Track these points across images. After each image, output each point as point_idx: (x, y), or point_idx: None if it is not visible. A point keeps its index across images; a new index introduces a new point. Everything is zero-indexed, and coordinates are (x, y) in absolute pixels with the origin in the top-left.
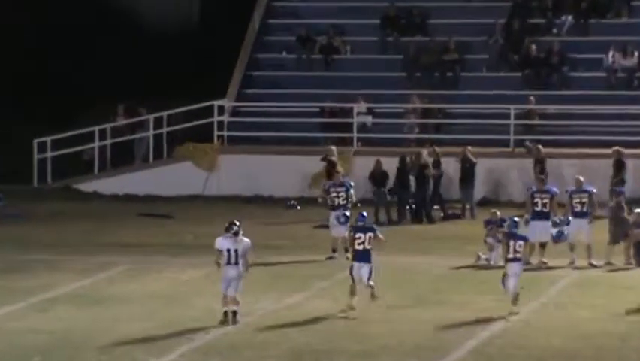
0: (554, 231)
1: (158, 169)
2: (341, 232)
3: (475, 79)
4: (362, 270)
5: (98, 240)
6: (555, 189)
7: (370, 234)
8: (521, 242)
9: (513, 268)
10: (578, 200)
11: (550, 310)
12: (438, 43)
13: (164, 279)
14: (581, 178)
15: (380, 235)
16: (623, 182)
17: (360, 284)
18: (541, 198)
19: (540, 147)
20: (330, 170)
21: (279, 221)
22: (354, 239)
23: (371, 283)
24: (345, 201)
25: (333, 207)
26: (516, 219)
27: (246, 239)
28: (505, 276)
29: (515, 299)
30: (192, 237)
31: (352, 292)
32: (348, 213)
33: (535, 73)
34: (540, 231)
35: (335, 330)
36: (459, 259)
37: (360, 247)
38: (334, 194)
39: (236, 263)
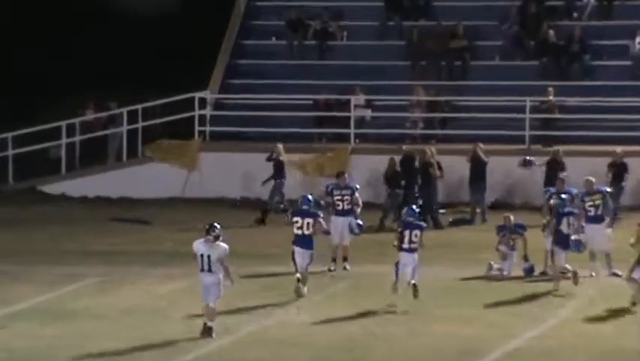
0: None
1: (132, 169)
2: (344, 239)
3: (486, 68)
4: (304, 256)
5: (66, 248)
6: (576, 191)
7: (309, 220)
8: (417, 231)
9: (405, 258)
10: (590, 203)
11: (570, 325)
12: (445, 28)
13: (140, 292)
14: (592, 179)
15: (323, 224)
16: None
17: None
18: None
19: (560, 149)
20: (278, 170)
21: (268, 226)
22: (292, 223)
23: (307, 271)
24: (349, 206)
25: (337, 212)
26: (414, 207)
27: (222, 245)
28: (397, 264)
29: (415, 291)
30: (171, 244)
31: (299, 280)
32: (361, 223)
33: (553, 62)
34: None
35: (330, 347)
36: (468, 269)
37: (299, 232)
38: (338, 197)
39: (210, 270)
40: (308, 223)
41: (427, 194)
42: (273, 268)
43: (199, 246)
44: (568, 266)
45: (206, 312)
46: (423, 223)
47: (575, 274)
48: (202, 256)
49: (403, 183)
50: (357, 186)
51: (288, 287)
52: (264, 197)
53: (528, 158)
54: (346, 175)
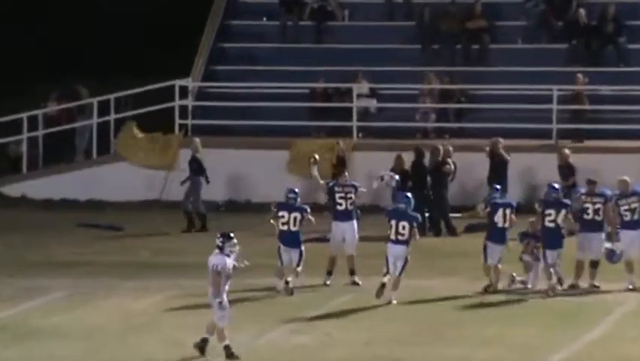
0: (607, 247)
1: (103, 167)
2: (350, 247)
3: (508, 52)
4: (291, 254)
5: (28, 258)
6: (610, 192)
7: (296, 214)
8: (405, 223)
9: (391, 249)
10: (626, 207)
11: (602, 346)
12: (461, 6)
13: (112, 308)
14: (627, 179)
15: (310, 217)
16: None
17: (290, 268)
18: (593, 204)
19: (566, 150)
20: (196, 167)
21: (259, 233)
22: (278, 217)
23: (299, 269)
24: (352, 207)
25: (338, 215)
26: (408, 194)
27: (211, 259)
28: (387, 257)
29: (397, 284)
30: (148, 254)
31: (279, 275)
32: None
33: (584, 45)
34: (590, 246)
35: None
36: (487, 282)
37: (285, 228)
38: (340, 195)
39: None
40: (295, 218)
41: (440, 196)
42: (261, 281)
43: None
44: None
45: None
46: (414, 214)
47: (512, 278)
48: None
49: (410, 184)
50: (359, 185)
51: (280, 302)
52: (255, 199)
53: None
54: (346, 173)
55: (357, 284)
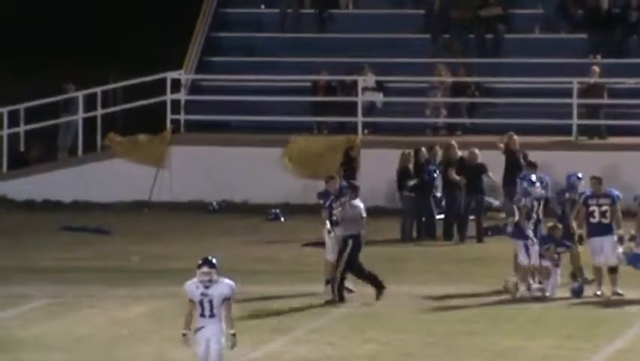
0: (623, 250)
1: (89, 166)
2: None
3: (524, 42)
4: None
5: (7, 263)
6: (617, 192)
7: None
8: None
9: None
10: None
11: (625, 359)
12: None
13: (98, 317)
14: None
15: None
16: None
17: None
18: (599, 206)
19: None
20: None
21: (256, 238)
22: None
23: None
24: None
25: (335, 223)
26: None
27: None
28: None
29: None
30: (137, 259)
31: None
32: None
33: (606, 34)
34: (603, 250)
35: None
36: (502, 289)
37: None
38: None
39: None
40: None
41: (452, 198)
42: (259, 288)
43: None
44: None
45: None
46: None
47: (529, 285)
48: None
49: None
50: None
51: (277, 311)
52: (253, 201)
53: None
54: (337, 180)
55: (350, 291)
